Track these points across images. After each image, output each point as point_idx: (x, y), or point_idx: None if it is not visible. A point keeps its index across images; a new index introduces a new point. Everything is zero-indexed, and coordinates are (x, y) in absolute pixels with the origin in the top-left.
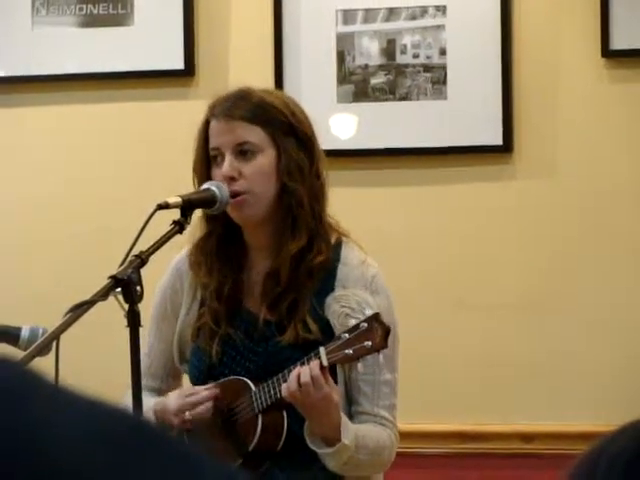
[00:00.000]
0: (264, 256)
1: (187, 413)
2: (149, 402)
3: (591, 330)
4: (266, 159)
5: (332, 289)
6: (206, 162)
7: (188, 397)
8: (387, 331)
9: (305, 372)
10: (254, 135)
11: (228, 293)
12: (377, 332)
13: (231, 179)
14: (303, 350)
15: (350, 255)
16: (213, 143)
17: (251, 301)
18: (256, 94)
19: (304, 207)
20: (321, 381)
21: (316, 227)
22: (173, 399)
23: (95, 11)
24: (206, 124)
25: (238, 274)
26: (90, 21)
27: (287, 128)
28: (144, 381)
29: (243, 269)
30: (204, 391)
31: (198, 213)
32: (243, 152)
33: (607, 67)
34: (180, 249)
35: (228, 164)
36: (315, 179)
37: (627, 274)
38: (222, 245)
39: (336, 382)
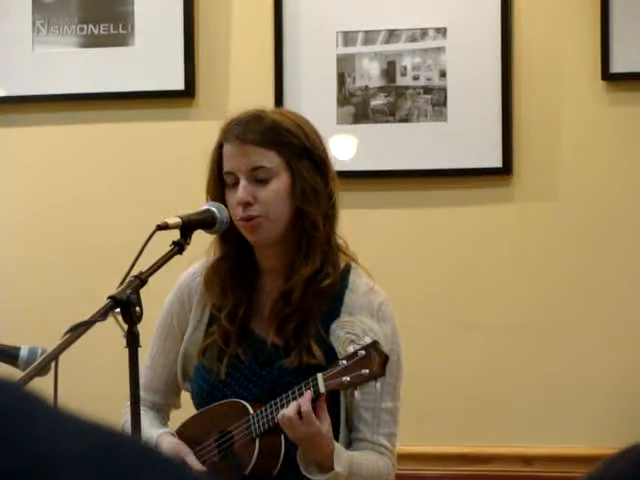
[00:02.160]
0: (275, 278)
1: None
2: (151, 432)
3: (591, 353)
4: (281, 183)
5: (338, 315)
6: (220, 184)
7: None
8: (385, 359)
9: (289, 411)
10: (268, 160)
11: (241, 316)
12: (375, 360)
13: (246, 204)
14: (306, 375)
15: (358, 282)
16: (227, 167)
17: (259, 324)
18: (269, 116)
19: (319, 230)
20: (311, 418)
21: (327, 248)
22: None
23: (96, 31)
24: (219, 147)
25: (249, 297)
26: (91, 41)
27: (301, 151)
28: (144, 394)
29: (254, 291)
30: (193, 464)
31: (212, 235)
32: (258, 177)
33: (607, 90)
34: (179, 269)
35: (243, 189)
36: (328, 200)
37: (627, 297)
38: (236, 267)
39: (338, 407)
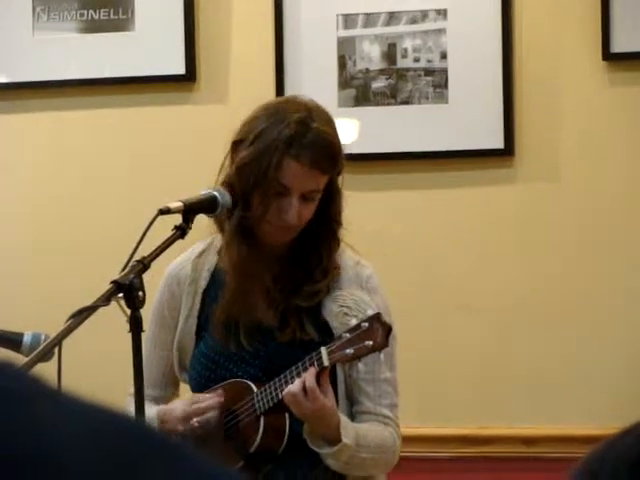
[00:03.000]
0: (271, 262)
1: (194, 420)
2: (150, 410)
3: (593, 334)
4: (319, 198)
5: (328, 291)
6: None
7: (195, 404)
8: (388, 330)
9: (294, 387)
10: (323, 182)
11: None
12: (378, 331)
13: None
14: (302, 350)
15: (344, 257)
16: (284, 180)
17: (257, 306)
18: (331, 138)
19: (341, 224)
20: (316, 393)
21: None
22: (179, 406)
23: (96, 17)
24: (281, 156)
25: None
26: (91, 27)
27: (341, 169)
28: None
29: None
30: (210, 399)
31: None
32: (307, 196)
33: (608, 70)
34: (181, 253)
35: (294, 210)
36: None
37: (628, 278)
38: (242, 251)
39: (335, 382)
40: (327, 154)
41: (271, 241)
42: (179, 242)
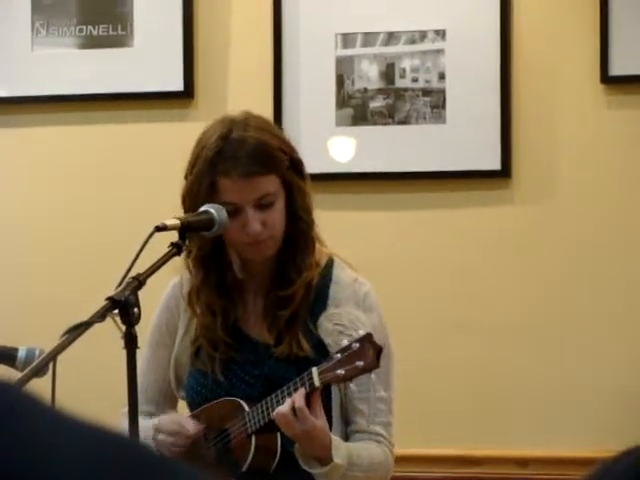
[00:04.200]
0: (261, 278)
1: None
2: (146, 423)
3: (588, 355)
4: (281, 200)
5: (325, 308)
6: (207, 198)
7: (176, 433)
8: (379, 351)
9: (284, 408)
10: (271, 184)
11: (229, 328)
12: (369, 352)
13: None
14: (296, 367)
15: (342, 274)
16: (229, 199)
17: (249, 324)
18: (253, 139)
19: (313, 229)
20: (305, 414)
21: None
22: (164, 423)
23: (95, 32)
24: (211, 179)
25: (237, 307)
26: (90, 42)
27: (288, 162)
28: (139, 405)
29: (241, 299)
30: (191, 429)
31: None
32: (263, 203)
33: (606, 93)
34: (178, 271)
35: (254, 221)
36: (309, 200)
37: (625, 298)
38: (221, 288)
39: (330, 403)
40: (256, 156)
41: (256, 257)
42: (175, 259)
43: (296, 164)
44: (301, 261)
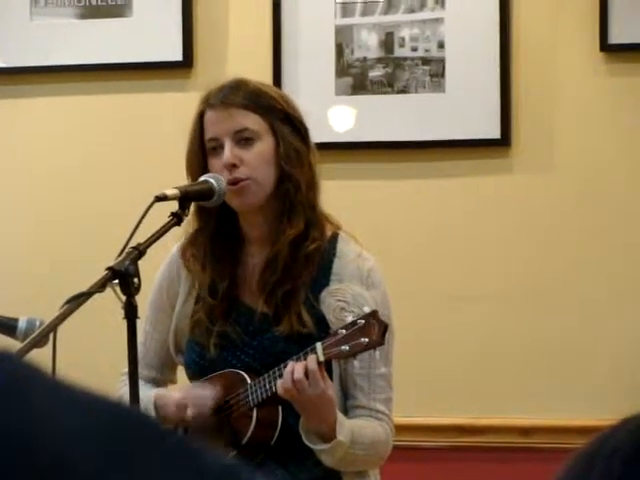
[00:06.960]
0: (260, 247)
1: (188, 410)
2: (148, 392)
3: (589, 323)
4: (265, 145)
5: (327, 283)
6: (202, 154)
7: (190, 394)
8: (385, 328)
9: (298, 369)
10: (252, 122)
11: (224, 290)
12: (374, 329)
13: (232, 166)
14: (298, 343)
15: (346, 249)
16: (210, 133)
17: (248, 294)
18: (251, 83)
19: (302, 193)
20: (317, 377)
21: (311, 215)
22: (175, 394)
23: (94, 2)
24: (200, 116)
25: (233, 269)
26: (88, 12)
27: (283, 116)
28: (139, 369)
29: (239, 263)
30: (205, 390)
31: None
32: (242, 139)
33: (605, 61)
34: (178, 241)
35: (229, 151)
36: (309, 168)
37: (623, 266)
38: (216, 240)
39: (331, 378)
40: (244, 91)
41: (239, 204)
42: (175, 229)
43: (294, 123)
44: (287, 222)
